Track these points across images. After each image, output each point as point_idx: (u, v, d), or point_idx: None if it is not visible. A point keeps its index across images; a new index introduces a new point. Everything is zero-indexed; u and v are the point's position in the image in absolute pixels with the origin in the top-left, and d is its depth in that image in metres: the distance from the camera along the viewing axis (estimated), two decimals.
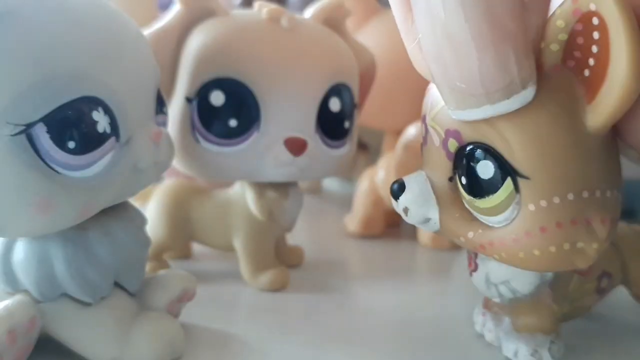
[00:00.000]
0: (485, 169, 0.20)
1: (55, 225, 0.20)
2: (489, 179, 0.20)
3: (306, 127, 0.29)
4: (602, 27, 0.17)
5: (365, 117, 0.38)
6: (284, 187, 0.31)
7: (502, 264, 0.22)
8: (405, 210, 0.22)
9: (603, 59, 0.18)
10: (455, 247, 0.39)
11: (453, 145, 0.21)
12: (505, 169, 0.19)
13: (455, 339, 0.26)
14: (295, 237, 0.36)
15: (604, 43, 0.18)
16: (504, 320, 0.25)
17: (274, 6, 0.29)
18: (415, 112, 0.38)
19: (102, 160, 0.20)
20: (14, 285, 0.22)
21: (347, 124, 0.31)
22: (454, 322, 0.27)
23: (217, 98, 0.28)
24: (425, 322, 0.28)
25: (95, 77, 0.20)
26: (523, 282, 0.23)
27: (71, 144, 0.19)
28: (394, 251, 0.40)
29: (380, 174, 0.40)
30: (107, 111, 0.20)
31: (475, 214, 0.21)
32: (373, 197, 0.41)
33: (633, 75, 0.17)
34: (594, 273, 0.25)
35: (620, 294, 0.27)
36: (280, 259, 0.33)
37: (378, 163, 0.42)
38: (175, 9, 0.30)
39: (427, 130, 0.22)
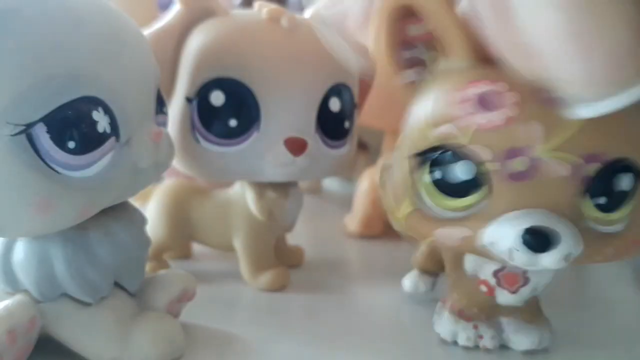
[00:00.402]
0: (627, 181, 0.21)
1: (56, 225, 0.20)
2: (628, 191, 0.21)
3: (306, 127, 0.29)
4: None
5: (365, 117, 0.38)
6: (284, 187, 0.31)
7: (550, 271, 0.23)
8: (568, 257, 0.20)
9: None
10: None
11: (594, 167, 0.20)
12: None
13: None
14: (295, 237, 0.36)
15: None
16: (502, 322, 0.25)
17: (274, 6, 0.29)
18: None
19: (102, 160, 0.20)
20: (14, 285, 0.22)
21: (347, 124, 0.31)
22: None
23: (217, 98, 0.28)
24: (424, 322, 0.28)
25: (96, 77, 0.20)
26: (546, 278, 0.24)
27: (71, 144, 0.19)
28: (394, 251, 0.39)
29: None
30: (107, 111, 0.20)
31: (601, 228, 0.21)
32: (373, 197, 0.41)
33: None
34: None
35: (617, 286, 0.28)
36: (280, 259, 0.33)
37: (378, 163, 0.42)
38: (175, 9, 0.30)
39: (535, 163, 0.20)
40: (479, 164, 0.21)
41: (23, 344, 0.21)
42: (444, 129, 0.21)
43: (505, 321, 0.25)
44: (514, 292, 0.24)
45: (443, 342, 0.26)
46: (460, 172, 0.21)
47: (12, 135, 0.18)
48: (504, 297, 0.24)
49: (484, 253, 0.21)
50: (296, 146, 0.28)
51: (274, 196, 0.30)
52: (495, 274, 0.24)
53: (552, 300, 0.26)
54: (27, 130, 0.18)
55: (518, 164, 0.20)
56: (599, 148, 0.20)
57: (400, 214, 0.23)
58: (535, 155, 0.20)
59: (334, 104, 0.30)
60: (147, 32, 0.28)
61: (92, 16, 0.20)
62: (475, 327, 0.25)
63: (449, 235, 0.22)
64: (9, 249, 0.22)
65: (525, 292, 0.24)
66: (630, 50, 0.17)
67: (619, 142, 0.20)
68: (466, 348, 0.25)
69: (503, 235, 0.20)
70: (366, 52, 0.34)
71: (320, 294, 0.31)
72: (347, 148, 0.32)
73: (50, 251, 0.21)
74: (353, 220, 0.42)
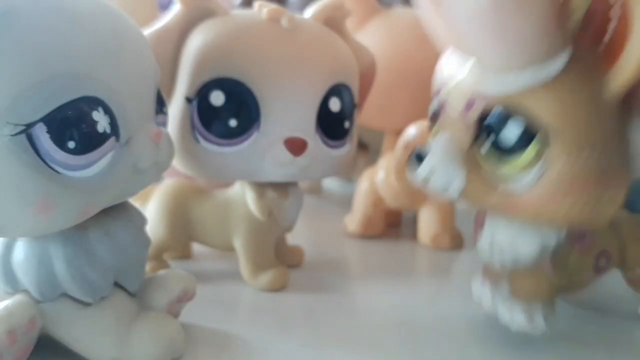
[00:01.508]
0: (513, 130, 0.21)
1: (56, 225, 0.20)
2: (517, 140, 0.21)
3: (306, 127, 0.29)
4: (623, 3, 0.19)
5: (365, 117, 0.38)
6: (284, 187, 0.31)
7: (507, 229, 0.23)
8: (431, 172, 0.23)
9: (621, 32, 0.19)
10: (455, 247, 0.39)
11: (476, 111, 0.22)
12: (533, 129, 0.21)
13: (455, 339, 0.26)
14: (295, 237, 0.36)
15: (623, 18, 0.19)
16: (501, 287, 0.25)
17: (274, 6, 0.29)
18: (415, 112, 0.38)
19: (102, 160, 0.20)
20: (14, 285, 0.22)
21: (347, 124, 0.31)
22: (453, 321, 0.27)
23: (217, 98, 0.28)
24: (425, 322, 0.28)
25: (96, 77, 0.20)
26: (527, 247, 0.24)
27: (71, 144, 0.19)
28: (394, 251, 0.39)
29: (380, 174, 0.40)
30: (107, 111, 0.20)
31: (500, 176, 0.22)
32: (373, 197, 0.41)
33: None
34: (594, 250, 0.26)
35: (613, 282, 0.28)
36: (280, 259, 0.33)
37: (378, 163, 0.42)
38: (175, 9, 0.30)
39: (443, 104, 0.23)
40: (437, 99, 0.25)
41: (23, 344, 0.21)
42: None
43: (504, 286, 0.25)
44: (476, 238, 0.25)
45: (443, 341, 0.26)
46: (431, 107, 0.25)
47: (12, 135, 0.18)
48: (478, 246, 0.25)
49: None
50: (296, 146, 0.28)
51: (274, 196, 0.30)
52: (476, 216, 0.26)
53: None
54: (27, 130, 0.18)
55: (437, 102, 0.24)
56: (479, 93, 0.22)
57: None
58: (442, 96, 0.23)
59: (334, 104, 0.30)
60: (147, 32, 0.28)
61: (92, 16, 0.20)
62: (483, 283, 0.26)
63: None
64: (9, 249, 0.22)
65: (483, 244, 0.25)
66: (537, 34, 0.19)
67: (504, 87, 0.21)
68: (466, 345, 0.25)
69: None
70: (366, 52, 0.34)
71: (320, 294, 0.31)
72: (347, 148, 0.31)
73: (50, 251, 0.21)
74: (353, 220, 0.42)
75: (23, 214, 0.19)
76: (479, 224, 0.25)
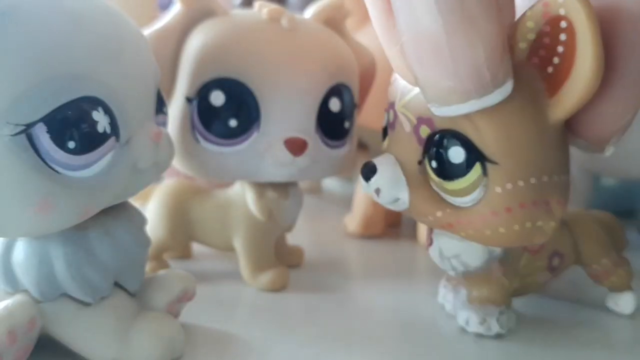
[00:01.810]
0: (456, 154, 0.22)
1: (56, 225, 0.20)
2: (459, 163, 0.22)
3: (306, 127, 0.29)
4: (570, 30, 0.20)
5: (365, 117, 0.38)
6: (284, 187, 0.31)
7: (453, 239, 0.24)
8: (377, 191, 0.24)
9: (568, 58, 0.20)
10: None
11: (425, 131, 0.23)
12: (475, 155, 0.21)
13: (455, 339, 0.26)
14: (295, 237, 0.36)
15: (570, 44, 0.20)
16: (460, 292, 0.27)
17: (274, 6, 0.29)
18: None
19: (102, 160, 0.20)
20: (14, 285, 0.22)
21: (347, 124, 0.31)
22: (453, 321, 0.27)
23: (217, 98, 0.28)
24: (424, 322, 0.28)
25: (96, 77, 0.20)
26: (472, 256, 0.25)
27: (71, 144, 0.19)
28: (394, 251, 0.39)
29: None
30: (107, 111, 0.20)
31: (443, 195, 0.23)
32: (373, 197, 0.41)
33: (595, 74, 0.19)
34: (545, 252, 0.26)
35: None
36: (280, 259, 0.33)
37: None
38: (175, 9, 0.30)
39: (395, 116, 0.24)
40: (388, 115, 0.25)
41: (23, 344, 0.21)
42: None
43: (462, 292, 0.27)
44: (427, 249, 0.26)
45: (443, 341, 0.26)
46: (384, 119, 0.26)
47: (12, 135, 0.18)
48: (430, 255, 0.26)
49: None
50: (296, 146, 0.28)
51: (274, 196, 0.30)
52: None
53: (552, 299, 0.27)
54: (27, 130, 0.18)
55: (390, 115, 0.25)
56: (427, 113, 0.22)
57: None
58: (396, 109, 0.24)
59: (334, 104, 0.30)
60: (147, 32, 0.28)
61: (91, 16, 0.20)
62: (446, 286, 0.28)
63: None
64: (9, 248, 0.22)
65: (434, 252, 0.26)
66: (481, 64, 0.19)
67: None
68: (466, 345, 0.25)
69: None
70: (366, 52, 0.34)
71: (320, 294, 0.31)
72: (347, 148, 0.32)
73: (50, 251, 0.21)
74: (353, 220, 0.42)
75: (23, 213, 0.19)
76: (428, 237, 0.26)
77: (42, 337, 0.22)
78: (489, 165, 0.21)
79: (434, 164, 0.23)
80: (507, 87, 0.20)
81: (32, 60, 0.18)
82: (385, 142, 0.26)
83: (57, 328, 0.22)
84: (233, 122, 0.28)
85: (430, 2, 0.19)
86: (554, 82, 0.21)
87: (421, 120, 0.23)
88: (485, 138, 0.21)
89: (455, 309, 0.27)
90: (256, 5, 0.30)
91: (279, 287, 0.31)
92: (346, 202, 0.45)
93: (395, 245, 0.41)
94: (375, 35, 0.44)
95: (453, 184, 0.22)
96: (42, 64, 0.18)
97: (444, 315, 0.28)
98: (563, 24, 0.20)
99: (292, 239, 0.36)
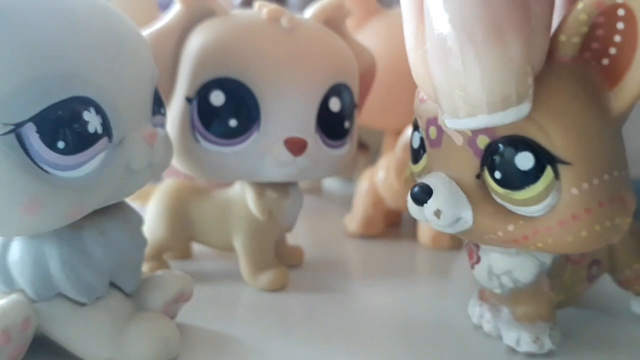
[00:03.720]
0: (525, 160, 0.20)
1: (46, 225, 0.20)
2: (528, 170, 0.20)
3: (306, 127, 0.29)
4: (629, 18, 0.19)
5: (365, 117, 0.38)
6: (284, 187, 0.31)
7: (504, 255, 0.23)
8: (437, 213, 0.22)
9: (628, 47, 0.19)
10: (455, 247, 0.39)
11: (483, 141, 0.21)
12: (545, 158, 0.20)
13: (455, 339, 0.26)
14: (295, 237, 0.36)
15: (629, 32, 0.19)
16: (502, 311, 0.25)
17: (274, 6, 0.29)
18: None
19: (92, 160, 0.20)
20: (9, 285, 0.22)
21: (347, 124, 0.31)
22: (453, 321, 0.27)
23: (217, 98, 0.28)
24: (425, 322, 0.28)
25: (87, 77, 0.19)
26: (525, 271, 0.24)
27: (61, 144, 0.19)
28: (394, 251, 0.39)
29: (380, 174, 0.40)
30: (99, 111, 0.20)
31: (510, 207, 0.21)
32: (373, 197, 0.41)
33: None
34: (586, 261, 0.26)
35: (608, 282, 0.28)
36: (280, 259, 0.33)
37: (378, 163, 0.42)
38: (175, 9, 0.30)
39: (440, 132, 0.22)
40: (420, 132, 0.24)
41: (17, 344, 0.21)
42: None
43: (504, 310, 0.25)
44: (472, 268, 0.25)
45: (443, 341, 0.26)
46: (414, 139, 0.25)
47: (1, 135, 0.18)
48: (474, 273, 0.25)
49: None
50: (296, 146, 0.28)
51: (274, 196, 0.30)
52: (466, 247, 0.26)
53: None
54: (16, 130, 0.18)
55: (432, 132, 0.23)
56: None
57: (404, 176, 0.28)
58: (440, 124, 0.22)
59: (334, 104, 0.30)
60: (147, 32, 0.28)
61: (86, 16, 0.20)
62: (481, 305, 0.26)
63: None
64: (4, 248, 0.22)
65: (480, 271, 0.25)
66: (507, 77, 0.19)
67: None
68: (467, 346, 0.25)
69: None
70: (366, 52, 0.34)
71: (320, 294, 0.31)
72: (347, 148, 0.32)
73: (45, 251, 0.21)
74: (353, 220, 0.42)
75: (11, 213, 0.19)
76: (472, 254, 0.25)
77: (38, 337, 0.22)
78: (561, 167, 0.20)
79: (497, 174, 0.21)
80: (524, 108, 0.19)
81: (22, 59, 0.18)
82: (422, 162, 0.24)
83: (52, 328, 0.22)
84: (233, 122, 0.28)
85: (456, 10, 0.18)
86: (613, 73, 0.20)
87: (478, 130, 0.21)
88: (555, 139, 0.20)
89: (499, 329, 0.25)
90: (256, 5, 0.30)
91: (278, 287, 0.31)
92: (346, 202, 0.45)
93: (395, 245, 0.41)
94: (375, 35, 0.44)
95: (522, 193, 0.21)
96: (32, 62, 0.18)
97: (443, 314, 0.28)
98: (620, 11, 0.19)
99: (292, 239, 0.36)
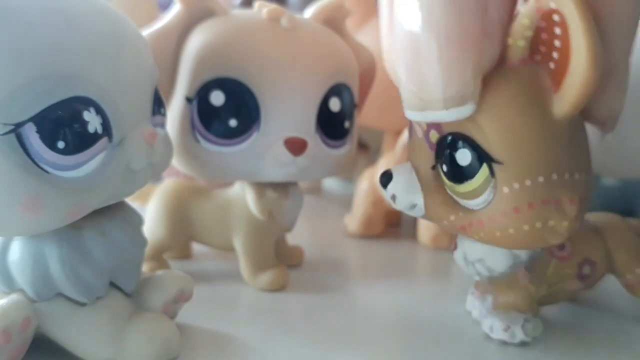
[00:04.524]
0: (463, 156, 0.22)
1: (45, 225, 0.20)
2: (467, 166, 0.22)
3: (306, 127, 0.29)
4: (562, 23, 0.19)
5: (365, 117, 0.38)
6: (284, 187, 0.31)
7: (476, 243, 0.24)
8: (393, 197, 0.24)
9: (565, 52, 0.20)
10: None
11: (434, 136, 0.23)
12: (482, 156, 0.21)
13: (455, 339, 0.26)
14: (295, 237, 0.36)
15: (565, 37, 0.19)
16: (487, 299, 0.26)
17: (274, 6, 0.29)
18: None
19: (92, 160, 0.20)
20: (9, 285, 0.22)
21: (347, 124, 0.31)
22: (454, 321, 0.27)
23: (217, 98, 0.28)
24: (425, 322, 0.28)
25: (87, 77, 0.19)
26: (496, 260, 0.25)
27: (61, 144, 0.19)
28: (394, 251, 0.40)
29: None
30: (99, 111, 0.20)
31: (456, 198, 0.23)
32: (373, 197, 0.41)
33: (592, 65, 0.19)
34: (575, 259, 0.26)
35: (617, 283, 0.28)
36: (280, 259, 0.33)
37: (378, 163, 0.42)
38: (175, 9, 0.30)
39: (411, 125, 0.24)
40: None
41: (17, 344, 0.21)
42: None
43: (489, 299, 0.26)
44: (452, 254, 0.27)
45: (443, 341, 0.26)
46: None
47: (1, 135, 0.18)
48: (455, 259, 0.26)
49: None
50: (296, 146, 0.28)
51: (274, 196, 0.30)
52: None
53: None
54: (16, 130, 0.18)
55: (409, 124, 0.25)
56: None
57: None
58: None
59: (334, 104, 0.30)
60: (147, 32, 0.28)
61: (85, 16, 0.20)
62: (473, 293, 0.27)
63: None
64: (4, 248, 0.22)
65: (458, 256, 0.26)
66: (463, 76, 0.20)
67: None
68: (468, 346, 0.25)
69: None
70: (366, 52, 0.34)
71: (320, 294, 0.31)
72: (347, 148, 0.32)
73: (45, 251, 0.21)
74: (353, 220, 0.42)
75: (11, 213, 0.19)
76: (452, 241, 0.27)
77: (38, 337, 0.22)
78: (495, 166, 0.21)
79: (444, 167, 0.23)
80: (469, 107, 0.21)
81: (22, 59, 0.18)
82: (408, 151, 0.26)
83: (52, 328, 0.22)
84: (233, 122, 0.28)
85: (425, 8, 0.19)
86: (557, 77, 0.20)
87: (430, 125, 0.23)
88: (490, 139, 0.21)
89: (481, 315, 0.26)
90: (256, 5, 0.30)
91: (278, 287, 0.31)
92: (346, 202, 0.45)
93: (395, 245, 0.41)
94: (375, 35, 0.44)
95: (463, 187, 0.22)
96: (32, 62, 0.18)
97: (444, 314, 0.28)
98: (556, 17, 0.19)
99: (292, 239, 0.36)
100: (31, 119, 0.18)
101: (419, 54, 0.20)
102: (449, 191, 0.23)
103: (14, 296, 0.22)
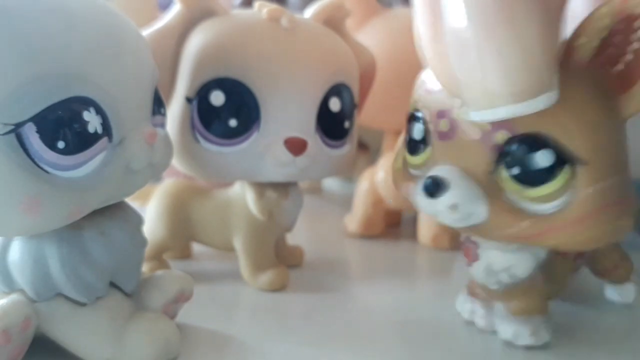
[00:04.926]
0: (544, 158, 0.20)
1: (45, 225, 0.20)
2: (546, 167, 0.20)
3: (306, 127, 0.29)
4: None
5: (365, 117, 0.38)
6: (284, 187, 0.31)
7: (503, 252, 0.24)
8: (454, 207, 0.22)
9: None
10: (455, 247, 0.39)
11: (503, 136, 0.21)
12: (565, 156, 0.20)
13: (455, 339, 0.26)
14: (295, 237, 0.36)
15: None
16: (495, 306, 0.26)
17: (274, 6, 0.29)
18: None
19: (92, 160, 0.20)
20: (9, 285, 0.22)
21: (347, 124, 0.31)
22: (453, 321, 0.27)
23: (217, 98, 0.28)
24: (424, 322, 0.28)
25: (88, 77, 0.19)
26: (523, 267, 0.24)
27: (61, 144, 0.19)
28: (394, 251, 0.39)
29: (380, 174, 0.40)
30: (99, 111, 0.20)
31: (523, 203, 0.21)
32: (373, 197, 0.41)
33: None
34: (571, 254, 0.26)
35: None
36: (280, 259, 0.33)
37: (378, 163, 0.42)
38: (175, 9, 0.30)
39: (453, 125, 0.22)
40: (424, 124, 0.24)
41: (18, 344, 0.21)
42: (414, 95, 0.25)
43: (497, 306, 0.26)
44: (469, 266, 0.25)
45: (443, 341, 0.26)
46: (414, 131, 0.25)
47: (1, 135, 0.18)
48: (471, 271, 0.25)
49: None
50: (296, 146, 0.28)
51: (274, 196, 0.30)
52: (462, 245, 0.26)
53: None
54: (16, 130, 0.18)
55: (443, 125, 0.23)
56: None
57: (394, 166, 0.27)
58: (454, 117, 0.22)
59: (334, 104, 0.30)
60: (147, 32, 0.28)
61: (86, 16, 0.20)
62: (473, 301, 0.27)
63: (408, 191, 0.25)
64: (4, 248, 0.22)
65: (478, 268, 0.25)
66: (529, 66, 0.19)
67: (529, 115, 0.20)
68: (467, 345, 0.25)
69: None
70: (366, 52, 0.34)
71: (320, 294, 0.31)
72: (347, 148, 0.31)
73: (45, 251, 0.21)
74: (353, 220, 0.42)
75: (11, 213, 0.19)
76: (469, 252, 0.25)
77: (38, 337, 0.22)
78: (578, 166, 0.20)
79: (514, 171, 0.21)
80: (552, 95, 0.19)
81: (22, 59, 0.18)
82: (424, 154, 0.24)
83: (52, 328, 0.22)
84: (233, 122, 0.28)
85: (472, 2, 0.19)
86: (627, 78, 0.20)
87: (497, 125, 0.21)
88: (576, 138, 0.20)
89: (494, 324, 0.26)
90: (256, 5, 0.30)
91: (278, 287, 0.31)
92: (346, 202, 0.45)
93: (395, 245, 0.41)
94: (375, 35, 0.44)
95: (537, 191, 0.21)
96: (32, 63, 0.18)
97: (443, 314, 0.28)
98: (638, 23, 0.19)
99: (292, 239, 0.36)
100: (31, 119, 0.18)
101: (480, 52, 0.19)
102: (512, 196, 0.21)
103: (14, 296, 0.22)
